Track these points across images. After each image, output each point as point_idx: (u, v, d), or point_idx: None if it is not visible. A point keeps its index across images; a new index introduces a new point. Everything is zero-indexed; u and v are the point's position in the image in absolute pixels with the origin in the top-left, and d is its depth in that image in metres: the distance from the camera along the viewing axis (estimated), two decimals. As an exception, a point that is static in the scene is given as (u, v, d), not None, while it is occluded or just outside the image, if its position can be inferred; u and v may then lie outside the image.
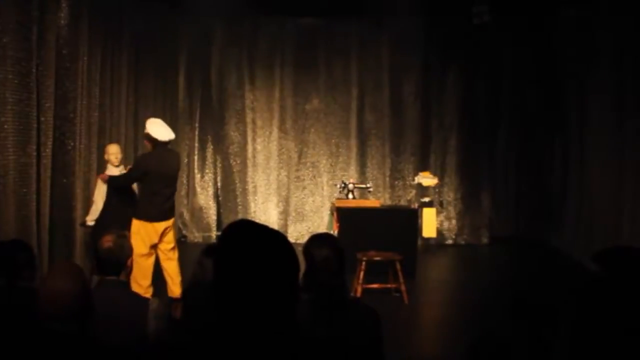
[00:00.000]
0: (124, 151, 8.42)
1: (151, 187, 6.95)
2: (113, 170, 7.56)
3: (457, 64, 12.00)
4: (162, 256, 7.10)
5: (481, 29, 11.08)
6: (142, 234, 6.87)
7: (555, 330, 2.85)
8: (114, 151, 7.67)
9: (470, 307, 7.78)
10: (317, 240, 3.32)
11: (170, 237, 7.15)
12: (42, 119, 6.91)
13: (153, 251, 6.99)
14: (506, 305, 3.01)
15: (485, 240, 12.08)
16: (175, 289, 7.06)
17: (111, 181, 7.32)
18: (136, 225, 6.89)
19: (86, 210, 7.79)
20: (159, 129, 6.94)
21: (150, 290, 6.85)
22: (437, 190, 11.93)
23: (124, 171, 7.53)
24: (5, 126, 6.17)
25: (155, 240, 6.96)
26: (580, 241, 10.18)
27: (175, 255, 7.20)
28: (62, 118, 7.39)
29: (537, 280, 8.93)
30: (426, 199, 11.33)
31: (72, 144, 7.61)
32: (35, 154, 6.63)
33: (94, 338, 2.72)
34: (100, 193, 7.52)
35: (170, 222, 7.11)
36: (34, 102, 6.56)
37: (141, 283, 6.79)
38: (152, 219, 6.91)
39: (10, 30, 6.17)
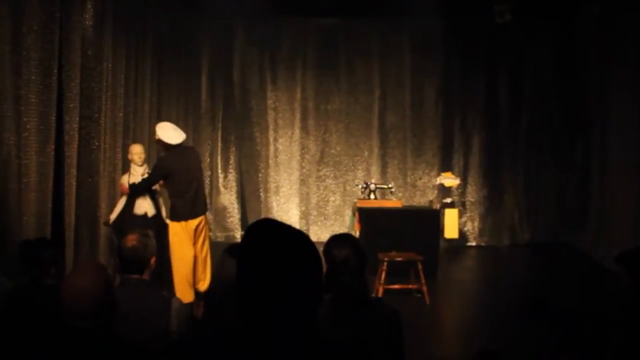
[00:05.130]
0: (147, 151, 8.48)
1: (177, 187, 7.07)
2: (137, 170, 7.62)
3: (478, 63, 11.94)
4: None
5: (503, 28, 11.02)
6: (181, 234, 7.03)
7: (600, 338, 2.82)
8: (137, 151, 7.73)
9: (491, 309, 7.75)
10: (338, 240, 3.32)
11: (203, 233, 7.29)
12: (67, 118, 6.98)
13: (193, 248, 7.13)
14: (526, 307, 3.01)
15: (506, 241, 12.01)
16: (202, 284, 7.18)
17: (133, 189, 7.40)
18: (174, 227, 7.06)
19: (110, 209, 7.86)
20: (169, 133, 7.05)
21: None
22: (459, 191, 11.89)
23: (148, 171, 7.61)
24: (28, 126, 6.24)
25: (192, 238, 7.10)
26: (602, 242, 10.09)
27: (206, 251, 7.34)
28: (87, 118, 7.47)
29: (558, 282, 8.86)
30: (448, 200, 11.29)
31: (96, 143, 7.68)
32: (53, 153, 6.69)
33: (116, 336, 2.74)
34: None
35: (202, 218, 7.25)
36: (53, 103, 6.63)
37: (190, 280, 7.01)
38: (184, 218, 7.05)
39: (34, 31, 6.24)
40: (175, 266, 7.04)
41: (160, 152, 7.40)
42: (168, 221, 7.16)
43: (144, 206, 7.51)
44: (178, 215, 7.06)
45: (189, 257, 7.02)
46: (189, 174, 7.15)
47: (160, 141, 7.05)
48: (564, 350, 2.82)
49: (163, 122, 7.46)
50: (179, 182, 7.05)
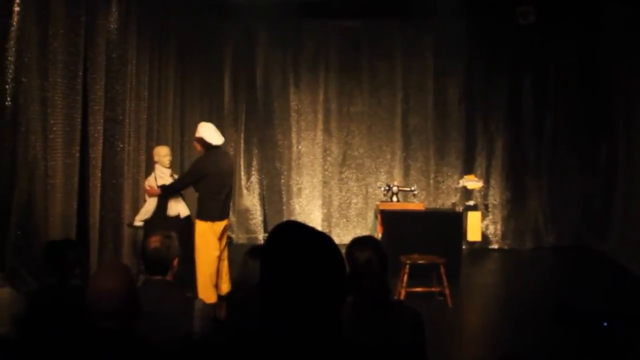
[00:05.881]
0: (172, 152, 8.54)
1: (211, 188, 7.16)
2: (164, 171, 7.65)
3: (502, 65, 11.85)
4: None
5: (526, 30, 10.95)
6: (209, 234, 7.12)
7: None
8: (165, 153, 7.77)
9: (514, 312, 7.70)
10: (360, 242, 3.33)
11: (225, 236, 7.41)
12: (92, 121, 7.06)
13: (218, 250, 7.23)
14: (549, 311, 2.98)
15: (529, 245, 11.92)
16: (224, 286, 7.24)
17: (166, 190, 7.45)
18: (202, 226, 7.13)
19: (134, 210, 7.92)
20: (212, 134, 7.17)
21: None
22: (482, 193, 11.83)
23: (173, 173, 7.68)
24: (55, 128, 6.32)
25: (218, 239, 7.20)
26: (626, 246, 9.98)
27: (226, 254, 7.44)
28: (111, 120, 7.54)
29: (582, 286, 8.78)
30: (471, 203, 11.24)
31: (121, 145, 7.75)
32: (78, 155, 6.77)
33: (140, 336, 2.77)
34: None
35: (228, 221, 7.41)
36: (79, 105, 6.71)
37: (214, 281, 7.11)
38: (215, 219, 7.15)
39: (60, 35, 6.33)
40: (200, 266, 7.10)
41: (196, 151, 7.52)
42: (196, 220, 7.22)
43: (176, 208, 7.57)
44: (209, 215, 7.14)
45: (214, 258, 7.10)
46: (223, 177, 7.29)
47: (202, 140, 7.16)
48: (588, 355, 2.80)
49: (205, 122, 7.58)
50: (214, 184, 7.16)
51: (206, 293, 6.84)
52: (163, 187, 7.46)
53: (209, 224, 7.11)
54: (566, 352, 5.41)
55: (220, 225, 7.20)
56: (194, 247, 7.18)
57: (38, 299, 4.11)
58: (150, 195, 7.55)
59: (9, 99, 5.61)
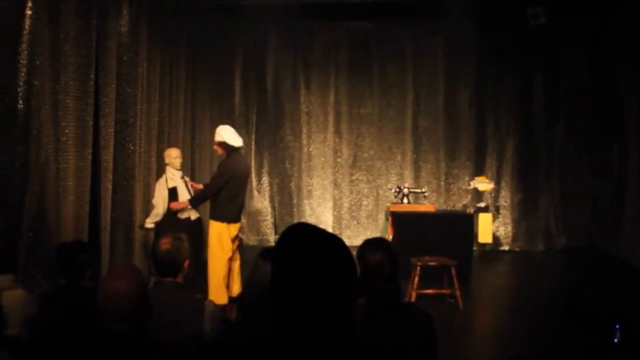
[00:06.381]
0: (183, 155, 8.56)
1: (231, 191, 7.28)
2: (175, 174, 7.66)
3: (512, 66, 11.83)
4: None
5: (536, 31, 10.92)
6: (225, 236, 7.21)
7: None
8: (176, 155, 7.80)
9: (525, 314, 7.67)
10: (371, 244, 3.33)
11: (237, 238, 7.52)
12: (103, 123, 7.09)
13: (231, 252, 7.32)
14: (561, 312, 2.98)
15: (541, 246, 11.88)
16: (235, 287, 7.28)
17: (196, 200, 7.49)
18: (218, 227, 7.22)
19: (145, 213, 7.94)
20: (233, 137, 7.30)
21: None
22: (492, 195, 11.80)
23: (183, 175, 7.71)
24: (66, 131, 6.35)
25: (231, 241, 7.30)
26: (638, 248, 9.92)
27: (238, 255, 7.55)
28: (122, 122, 7.57)
29: (594, 287, 8.73)
30: (482, 204, 11.21)
31: (132, 147, 7.77)
32: (90, 157, 6.80)
33: (151, 338, 2.77)
34: (161, 198, 7.65)
35: (240, 224, 7.56)
36: (91, 107, 6.74)
37: (226, 282, 7.22)
38: (232, 221, 7.28)
39: (72, 38, 6.36)
40: (214, 267, 7.16)
41: (217, 154, 7.74)
42: (211, 221, 7.25)
43: (187, 210, 7.59)
44: (226, 217, 7.24)
45: (226, 259, 7.18)
46: (242, 180, 7.46)
47: (224, 143, 7.25)
48: (600, 357, 2.79)
49: (224, 125, 7.70)
50: (234, 187, 7.28)
51: (218, 294, 6.88)
52: (194, 200, 7.46)
53: (225, 225, 7.19)
54: (578, 354, 5.39)
55: (235, 227, 7.31)
56: (207, 249, 7.23)
57: (50, 300, 4.13)
58: (178, 210, 7.54)
59: (21, 101, 5.63)
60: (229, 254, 7.21)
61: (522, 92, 11.89)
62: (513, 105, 11.94)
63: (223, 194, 7.26)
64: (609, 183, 11.55)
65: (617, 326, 2.75)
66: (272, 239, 11.81)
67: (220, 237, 7.18)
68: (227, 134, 7.28)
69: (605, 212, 11.56)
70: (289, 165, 12.18)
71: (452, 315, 7.44)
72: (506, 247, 11.90)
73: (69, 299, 4.09)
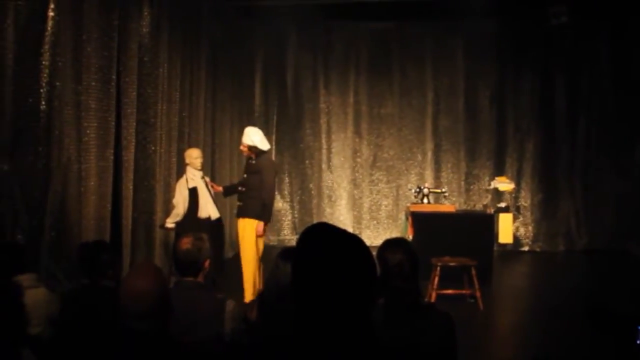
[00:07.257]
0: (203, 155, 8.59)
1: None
2: (196, 174, 7.66)
3: (533, 66, 11.76)
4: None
5: (558, 31, 10.84)
6: (262, 234, 7.41)
7: None
8: (197, 155, 7.80)
9: (545, 315, 7.62)
10: (391, 244, 3.32)
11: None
12: (124, 124, 7.14)
13: None
14: (582, 314, 2.96)
15: (562, 247, 11.80)
16: (259, 287, 7.37)
17: (268, 209, 7.49)
18: (261, 227, 7.36)
19: (166, 212, 7.97)
20: (262, 140, 7.46)
21: None
22: (513, 195, 11.73)
23: (204, 176, 7.75)
24: (88, 131, 6.41)
25: None
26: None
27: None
28: (143, 123, 7.62)
29: (616, 289, 8.65)
30: (502, 204, 11.15)
31: (153, 148, 7.82)
32: (112, 157, 6.85)
33: (172, 337, 2.79)
34: (182, 198, 7.67)
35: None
36: (112, 108, 6.79)
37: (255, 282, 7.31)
38: (268, 220, 7.55)
39: (94, 39, 6.42)
40: (248, 264, 7.27)
41: (243, 155, 7.95)
42: (256, 221, 7.33)
43: (207, 210, 7.60)
44: (269, 216, 7.49)
45: (258, 257, 7.36)
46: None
47: (254, 148, 7.38)
48: (621, 358, 2.77)
49: (252, 128, 7.76)
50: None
51: (250, 290, 7.14)
52: (266, 207, 7.43)
53: (265, 225, 7.41)
54: (599, 356, 5.34)
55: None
56: (241, 247, 7.33)
57: (72, 299, 4.17)
58: (260, 236, 7.53)
59: (43, 102, 5.70)
60: (259, 253, 7.38)
61: (543, 91, 11.82)
62: (534, 105, 11.86)
63: (265, 193, 7.40)
64: (632, 184, 11.43)
65: (639, 328, 2.72)
66: (291, 239, 11.82)
67: (262, 237, 7.43)
68: (257, 138, 7.40)
69: (627, 213, 11.45)
70: (309, 165, 12.19)
71: (473, 315, 7.40)
72: (526, 248, 11.83)
73: (91, 298, 4.13)
